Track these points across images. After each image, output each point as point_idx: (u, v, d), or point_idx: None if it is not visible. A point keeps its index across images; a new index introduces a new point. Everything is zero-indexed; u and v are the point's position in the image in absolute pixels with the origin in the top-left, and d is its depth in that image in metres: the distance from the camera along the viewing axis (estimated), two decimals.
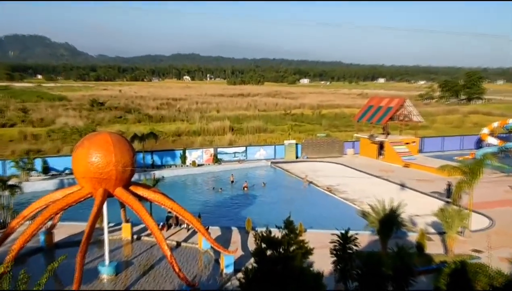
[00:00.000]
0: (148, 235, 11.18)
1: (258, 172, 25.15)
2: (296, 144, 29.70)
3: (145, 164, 24.19)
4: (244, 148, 28.59)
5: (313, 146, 30.22)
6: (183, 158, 26.16)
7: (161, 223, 12.94)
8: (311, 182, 20.48)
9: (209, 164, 26.37)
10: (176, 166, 25.70)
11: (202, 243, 10.46)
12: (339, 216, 15.03)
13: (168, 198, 9.53)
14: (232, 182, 20.52)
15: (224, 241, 11.44)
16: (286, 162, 28.01)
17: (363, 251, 8.61)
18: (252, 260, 7.10)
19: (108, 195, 9.11)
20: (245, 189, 19.55)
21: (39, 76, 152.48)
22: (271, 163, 27.53)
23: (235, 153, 28.01)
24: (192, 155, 26.85)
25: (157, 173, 21.04)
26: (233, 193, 19.26)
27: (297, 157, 29.19)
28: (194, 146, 29.38)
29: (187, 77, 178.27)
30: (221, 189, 19.29)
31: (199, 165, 25.74)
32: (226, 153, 27.87)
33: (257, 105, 58.58)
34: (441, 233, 12.54)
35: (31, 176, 19.96)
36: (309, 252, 7.08)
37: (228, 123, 38.31)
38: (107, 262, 9.52)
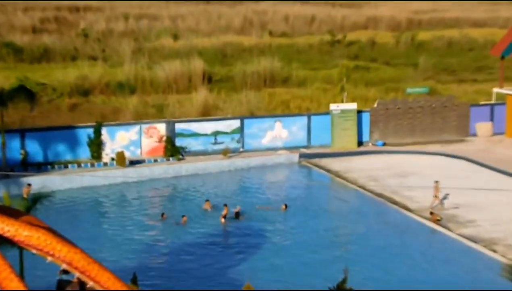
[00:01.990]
0: None
1: (270, 178, 24.12)
2: (359, 112, 27.58)
3: (6, 162, 21.29)
4: (236, 123, 26.54)
5: (398, 118, 28.03)
6: (96, 147, 23.49)
7: None
8: (438, 220, 16.93)
9: (156, 160, 24.24)
10: (79, 165, 22.89)
11: None
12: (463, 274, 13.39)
13: (61, 238, 6.18)
14: (208, 210, 18.57)
15: None
16: (336, 155, 26.35)
17: None
18: None
19: None
20: (238, 217, 17.58)
21: None
22: (301, 156, 26.14)
23: (215, 134, 25.87)
24: (117, 140, 24.25)
25: (36, 182, 18.45)
26: (211, 229, 17.14)
27: (360, 144, 27.49)
28: (120, 119, 26.18)
29: None
30: (183, 220, 17.20)
31: (132, 163, 23.49)
32: (196, 135, 25.69)
33: (267, 23, 45.80)
34: None
35: None
36: None
37: (201, 66, 31.52)
38: None
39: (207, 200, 19.19)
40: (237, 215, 17.84)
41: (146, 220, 18.24)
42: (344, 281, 8.77)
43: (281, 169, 25.66)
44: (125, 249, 15.56)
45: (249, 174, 24.78)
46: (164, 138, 25.24)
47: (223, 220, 17.57)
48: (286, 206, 18.87)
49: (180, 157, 25.16)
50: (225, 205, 17.73)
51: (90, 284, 6.37)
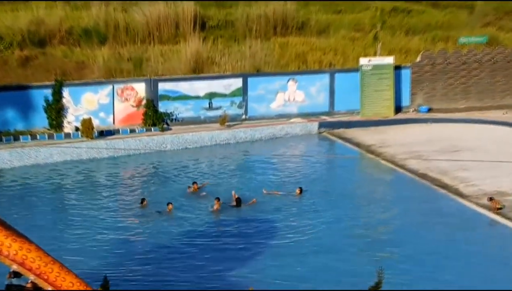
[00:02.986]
0: None
1: (281, 155, 24.79)
2: (397, 69, 28.28)
3: None
4: (237, 82, 27.36)
5: (447, 77, 28.83)
6: (55, 113, 24.15)
7: None
8: (499, 208, 17.48)
9: (133, 131, 24.89)
10: (34, 137, 23.41)
11: None
12: None
13: (10, 232, 6.82)
14: (195, 190, 19.23)
15: None
16: (367, 125, 27.33)
17: None
18: None
19: None
20: (239, 204, 17.96)
21: None
22: (321, 126, 27.09)
23: (210, 97, 26.89)
24: (83, 104, 25.23)
25: None
26: (204, 220, 17.32)
27: (398, 110, 28.42)
28: (87, 77, 26.42)
29: None
30: (168, 208, 17.66)
31: (102, 134, 24.20)
32: (185, 98, 26.65)
33: None
34: None
35: None
36: None
37: (192, 8, 30.97)
38: None
39: (194, 183, 19.39)
40: (238, 202, 17.93)
41: (121, 208, 18.37)
42: (377, 285, 8.55)
43: (295, 142, 26.13)
44: (94, 245, 15.69)
45: (254, 148, 25.27)
46: (144, 102, 25.67)
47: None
48: (301, 190, 18.97)
49: (165, 126, 25.55)
50: (217, 199, 17.73)
51: (48, 289, 6.36)
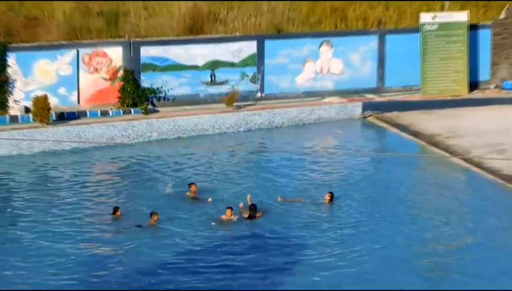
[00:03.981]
0: None
1: (309, 147, 25.32)
2: (472, 29, 28.87)
3: None
4: (250, 47, 28.03)
5: None
6: None
7: None
8: None
9: (105, 113, 25.53)
10: None
11: None
12: None
13: None
14: (193, 196, 20.00)
15: None
16: (429, 106, 27.92)
17: None
18: None
19: None
20: (250, 212, 18.66)
21: None
22: (366, 107, 27.49)
23: (212, 67, 27.44)
24: (36, 76, 25.53)
25: None
26: (201, 235, 17.86)
27: (473, 86, 29.00)
28: (41, 39, 26.98)
29: None
30: (152, 220, 18.21)
31: (62, 117, 24.73)
32: (177, 68, 27.24)
33: None
34: None
35: None
36: None
37: None
38: None
39: (191, 184, 19.73)
40: (252, 211, 18.31)
41: (87, 218, 18.68)
42: None
43: (329, 129, 26.42)
44: (51, 267, 15.84)
45: (273, 138, 25.73)
46: (121, 74, 25.76)
47: (224, 218, 18.27)
48: (331, 196, 19.35)
49: (150, 107, 25.55)
50: (230, 208, 18.14)
51: None
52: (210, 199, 19.25)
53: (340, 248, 16.60)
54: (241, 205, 18.67)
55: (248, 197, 18.66)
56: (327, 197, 19.09)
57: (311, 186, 20.62)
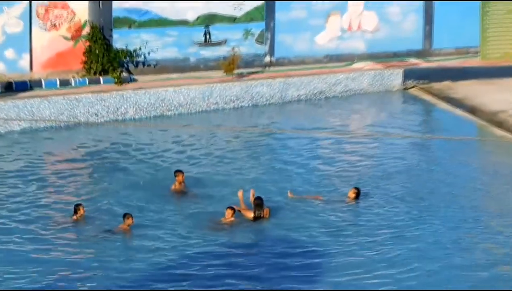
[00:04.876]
0: None
1: (331, 127, 25.93)
2: None
3: None
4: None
5: None
6: None
7: None
8: None
9: (66, 83, 25.85)
10: None
11: None
12: None
13: None
14: (180, 188, 20.71)
15: None
16: (492, 75, 28.40)
17: None
18: None
19: None
20: (256, 210, 18.98)
21: None
22: (408, 75, 28.08)
23: (206, 22, 28.17)
24: None
25: None
26: (195, 244, 17.99)
27: None
28: None
29: None
30: (125, 224, 18.26)
31: (9, 88, 25.24)
32: (160, 22, 27.76)
33: None
34: None
35: None
36: None
37: None
38: None
39: (178, 172, 19.85)
40: (258, 208, 18.41)
41: (39, 221, 18.53)
42: None
43: (359, 104, 26.98)
44: None
45: (285, 116, 26.20)
46: (87, 30, 26.05)
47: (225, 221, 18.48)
48: (357, 192, 19.54)
49: (124, 75, 25.92)
50: (231, 209, 18.44)
51: None
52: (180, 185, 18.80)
53: (369, 262, 16.32)
54: (252, 192, 18.57)
55: (251, 192, 18.62)
56: (352, 194, 18.98)
57: (332, 179, 20.65)
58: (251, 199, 18.48)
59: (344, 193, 19.26)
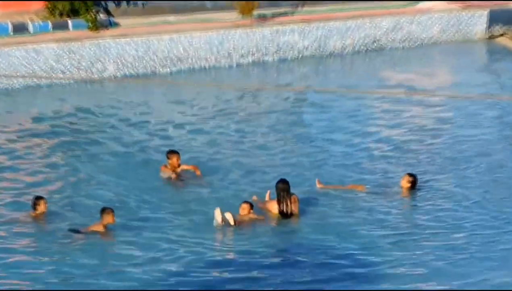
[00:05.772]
0: None
1: (392, 89, 26.40)
2: None
3: None
4: None
5: None
6: None
7: None
8: None
9: (26, 27, 27.02)
10: None
11: None
12: None
13: None
14: (175, 175, 21.01)
15: None
16: None
17: None
18: None
19: None
20: (290, 213, 19.82)
21: None
22: (494, 18, 29.51)
23: None
24: None
25: None
26: (195, 248, 17.96)
27: None
28: None
29: None
30: (103, 221, 18.75)
31: None
32: None
33: None
34: None
35: None
36: None
37: None
38: None
39: (172, 153, 20.15)
40: (285, 198, 18.64)
41: None
42: None
43: (428, 58, 28.33)
44: None
45: (324, 74, 27.47)
46: None
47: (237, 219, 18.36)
48: (413, 181, 19.71)
49: (101, 17, 27.16)
50: (248, 203, 18.44)
51: None
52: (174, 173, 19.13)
53: (430, 271, 15.54)
54: (254, 198, 18.59)
55: (267, 193, 18.52)
56: (405, 182, 19.20)
57: (381, 163, 21.20)
58: (267, 199, 18.30)
59: (396, 180, 19.28)
